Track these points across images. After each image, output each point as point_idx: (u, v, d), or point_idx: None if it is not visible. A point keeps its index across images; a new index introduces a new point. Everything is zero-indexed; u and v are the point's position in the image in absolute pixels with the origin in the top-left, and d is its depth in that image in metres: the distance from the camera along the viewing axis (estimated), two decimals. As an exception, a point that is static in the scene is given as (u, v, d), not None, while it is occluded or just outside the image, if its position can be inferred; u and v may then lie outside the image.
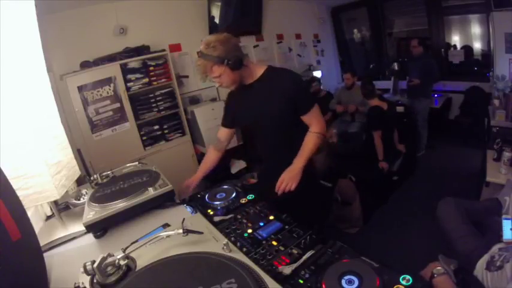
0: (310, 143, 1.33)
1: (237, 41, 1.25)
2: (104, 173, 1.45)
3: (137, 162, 1.61)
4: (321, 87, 3.95)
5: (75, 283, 0.72)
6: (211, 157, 1.53)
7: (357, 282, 0.71)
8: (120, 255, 0.77)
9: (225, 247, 0.82)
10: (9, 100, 0.93)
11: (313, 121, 1.35)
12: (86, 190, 1.44)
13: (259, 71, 1.32)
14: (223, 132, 1.51)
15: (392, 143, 2.96)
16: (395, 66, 3.77)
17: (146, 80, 2.81)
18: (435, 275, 1.01)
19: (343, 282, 0.72)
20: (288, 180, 1.25)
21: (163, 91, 2.94)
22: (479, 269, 1.20)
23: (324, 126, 1.37)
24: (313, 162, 1.45)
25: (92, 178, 1.43)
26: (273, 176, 1.32)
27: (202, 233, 0.88)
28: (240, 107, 1.40)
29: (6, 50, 0.92)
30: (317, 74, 4.40)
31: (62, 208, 1.38)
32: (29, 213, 0.92)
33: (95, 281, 0.74)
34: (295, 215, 1.08)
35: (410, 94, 3.70)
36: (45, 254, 0.91)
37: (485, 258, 1.21)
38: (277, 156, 1.42)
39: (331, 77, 4.88)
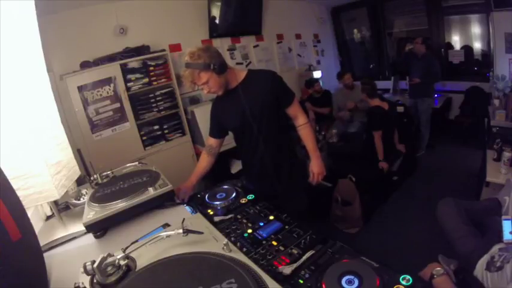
0: (310, 133, 1.51)
1: (216, 49, 1.34)
2: (104, 173, 1.45)
3: (137, 162, 1.60)
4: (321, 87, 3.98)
5: (75, 283, 0.72)
6: (204, 162, 1.55)
7: (356, 282, 0.71)
8: (120, 255, 0.77)
9: (225, 247, 0.82)
10: (9, 100, 0.93)
11: (298, 112, 1.50)
12: (86, 190, 1.43)
13: (242, 74, 1.41)
14: (212, 141, 1.55)
15: (393, 143, 2.96)
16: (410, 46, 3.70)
17: (146, 80, 2.82)
18: (435, 276, 1.01)
19: (343, 282, 0.72)
20: (320, 171, 1.50)
21: (163, 91, 2.94)
22: (479, 269, 1.20)
23: (306, 114, 1.55)
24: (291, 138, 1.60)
25: (92, 178, 1.43)
26: (267, 171, 1.47)
27: (202, 233, 0.88)
28: (227, 111, 1.45)
29: (6, 50, 0.92)
30: (317, 74, 4.40)
31: (62, 208, 1.38)
32: (29, 213, 0.91)
33: (95, 281, 0.74)
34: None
35: (413, 94, 3.70)
36: (45, 254, 0.90)
37: (485, 258, 1.21)
38: (267, 151, 1.46)
39: (331, 77, 4.87)
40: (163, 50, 2.93)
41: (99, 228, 1.10)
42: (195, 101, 3.41)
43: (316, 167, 1.50)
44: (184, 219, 0.91)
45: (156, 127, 2.96)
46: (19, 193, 0.85)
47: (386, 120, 2.82)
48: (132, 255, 0.83)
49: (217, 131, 1.53)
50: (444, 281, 1.00)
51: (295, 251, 0.87)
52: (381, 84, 4.36)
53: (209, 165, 1.55)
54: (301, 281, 0.75)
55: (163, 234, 0.85)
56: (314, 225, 0.99)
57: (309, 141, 1.51)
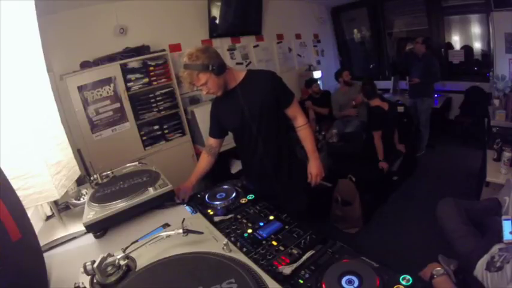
0: (309, 135, 1.51)
1: (215, 49, 1.33)
2: (104, 173, 1.45)
3: (137, 162, 1.60)
4: (320, 88, 3.98)
5: (75, 283, 0.72)
6: (204, 162, 1.55)
7: (357, 282, 0.71)
8: (120, 255, 0.77)
9: (225, 247, 0.82)
10: (9, 100, 0.93)
11: (298, 113, 1.49)
12: (86, 190, 1.43)
13: (241, 75, 1.40)
14: (212, 141, 1.55)
15: (393, 143, 2.96)
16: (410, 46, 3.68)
17: (146, 80, 2.82)
18: (435, 276, 1.01)
19: (343, 282, 0.72)
20: (318, 172, 1.50)
21: (163, 91, 2.94)
22: (479, 269, 1.20)
23: (305, 115, 1.54)
24: (292, 140, 1.60)
25: (92, 178, 1.43)
26: (266, 172, 1.46)
27: (202, 233, 0.88)
28: (227, 111, 1.44)
29: (6, 50, 0.92)
30: (317, 74, 4.40)
31: (62, 208, 1.38)
32: (29, 213, 0.91)
33: (95, 281, 0.74)
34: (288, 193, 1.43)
35: (413, 94, 3.70)
36: (45, 254, 0.91)
37: (485, 258, 1.21)
38: (266, 152, 1.46)
39: (331, 77, 4.86)
40: (163, 50, 2.93)
41: (99, 228, 1.10)
42: (195, 101, 3.41)
43: (314, 169, 1.50)
44: (184, 219, 0.91)
45: (156, 127, 2.96)
46: (19, 193, 0.85)
47: (386, 120, 2.82)
48: (132, 255, 0.83)
49: (217, 131, 1.53)
50: (444, 281, 1.00)
51: (295, 251, 0.87)
52: (381, 84, 4.36)
53: (209, 165, 1.55)
54: (301, 281, 0.75)
55: (163, 234, 0.85)
56: (314, 225, 0.99)
57: (308, 143, 1.50)
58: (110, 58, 2.67)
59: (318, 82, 4.10)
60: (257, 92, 1.36)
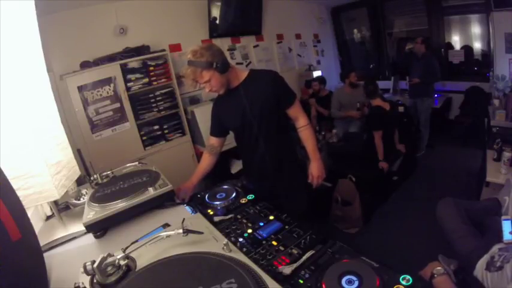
0: (310, 135, 1.50)
1: (219, 47, 1.33)
2: (104, 173, 1.45)
3: (137, 162, 1.60)
4: (322, 87, 3.96)
5: (75, 283, 0.72)
6: (206, 162, 1.54)
7: (356, 282, 0.71)
8: (120, 255, 0.77)
9: (225, 247, 0.82)
10: (9, 100, 0.93)
11: (299, 114, 1.49)
12: (86, 190, 1.43)
13: (244, 74, 1.40)
14: (213, 140, 1.54)
15: (393, 143, 2.95)
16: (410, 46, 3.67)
17: (146, 80, 2.82)
18: (435, 275, 1.01)
19: (343, 282, 0.72)
20: (320, 174, 1.49)
21: (163, 91, 2.94)
22: (479, 269, 1.20)
23: (307, 115, 1.54)
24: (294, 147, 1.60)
25: (92, 178, 1.43)
26: (267, 171, 1.46)
27: (202, 233, 0.88)
28: (228, 110, 1.44)
29: (6, 50, 0.92)
30: (317, 74, 4.40)
31: (62, 208, 1.38)
32: (29, 213, 0.91)
33: (94, 281, 0.74)
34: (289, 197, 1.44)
35: (413, 94, 3.70)
36: (45, 254, 0.90)
37: (485, 258, 1.20)
38: (267, 151, 1.46)
39: (331, 77, 4.86)
40: (163, 50, 2.93)
41: (99, 228, 1.10)
42: (195, 101, 3.41)
43: (315, 170, 1.50)
44: (184, 219, 0.91)
45: (156, 127, 2.96)
46: (19, 193, 0.85)
47: (387, 120, 2.82)
48: (132, 255, 0.83)
49: (218, 130, 1.53)
50: (444, 280, 1.00)
51: (295, 251, 0.87)
52: (381, 84, 4.33)
53: (211, 165, 1.55)
54: (301, 281, 0.75)
55: (163, 234, 0.85)
56: (314, 225, 0.99)
57: (309, 143, 1.50)
58: (110, 58, 2.67)
59: (324, 81, 4.04)
60: (259, 91, 1.36)
